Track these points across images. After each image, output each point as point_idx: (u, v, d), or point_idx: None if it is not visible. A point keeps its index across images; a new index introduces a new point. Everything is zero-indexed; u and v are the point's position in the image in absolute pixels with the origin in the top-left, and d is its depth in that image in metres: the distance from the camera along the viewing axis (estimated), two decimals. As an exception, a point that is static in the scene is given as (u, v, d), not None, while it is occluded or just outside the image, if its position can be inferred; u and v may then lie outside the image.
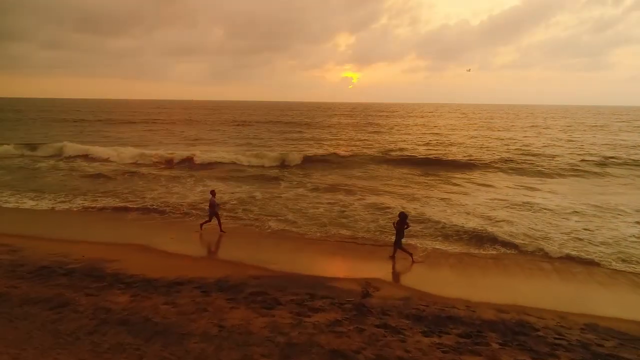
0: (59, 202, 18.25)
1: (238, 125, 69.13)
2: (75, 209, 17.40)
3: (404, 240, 12.14)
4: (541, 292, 10.43)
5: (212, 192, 14.31)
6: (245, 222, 15.70)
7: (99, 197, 19.25)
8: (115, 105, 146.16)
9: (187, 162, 29.00)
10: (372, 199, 19.56)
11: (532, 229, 15.14)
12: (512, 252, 13.13)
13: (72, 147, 32.19)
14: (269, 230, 14.86)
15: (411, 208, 17.45)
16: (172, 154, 30.43)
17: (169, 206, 17.59)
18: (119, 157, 29.90)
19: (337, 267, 11.93)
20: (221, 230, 14.15)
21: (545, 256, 12.81)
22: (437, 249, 13.28)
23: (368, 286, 9.51)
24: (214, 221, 14.28)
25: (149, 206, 17.66)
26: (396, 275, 11.19)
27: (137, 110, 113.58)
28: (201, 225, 14.23)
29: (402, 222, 11.61)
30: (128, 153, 30.69)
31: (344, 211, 17.29)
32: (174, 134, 51.15)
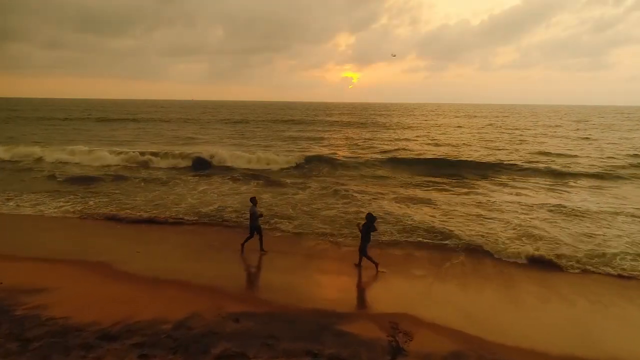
0: (32, 205, 15.59)
1: (236, 122, 65.90)
2: (36, 214, 14.59)
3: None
4: (634, 335, 7.51)
5: (253, 200, 11.19)
6: (241, 231, 12.86)
7: (78, 200, 16.36)
8: (114, 105, 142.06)
9: (184, 163, 25.58)
10: (389, 200, 16.73)
11: (577, 238, 12.44)
12: (560, 269, 10.46)
13: (57, 148, 28.93)
14: (270, 238, 12.06)
15: (435, 218, 14.57)
16: (167, 153, 27.05)
17: (155, 211, 14.79)
18: (108, 157, 26.49)
19: (350, 293, 8.96)
20: (261, 249, 11.07)
21: (607, 276, 10.11)
22: (471, 265, 10.52)
23: (396, 332, 6.55)
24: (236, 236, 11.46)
25: (127, 211, 14.85)
26: (429, 306, 8.22)
27: (134, 109, 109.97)
28: (242, 244, 11.21)
29: (369, 224, 9.84)
30: (119, 152, 27.30)
31: (360, 211, 14.66)
32: (170, 133, 47.72)
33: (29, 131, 45.55)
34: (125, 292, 8.15)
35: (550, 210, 15.41)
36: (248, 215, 11.15)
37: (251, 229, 10.99)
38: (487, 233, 12.66)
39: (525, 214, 14.93)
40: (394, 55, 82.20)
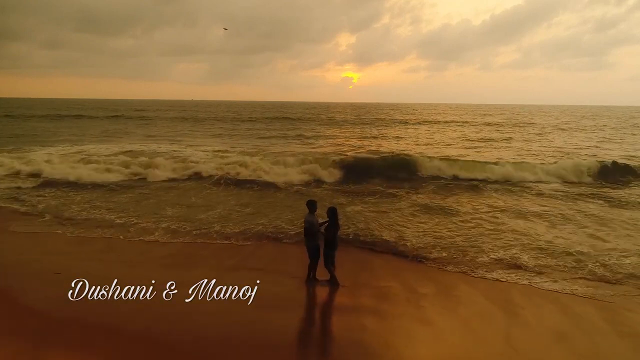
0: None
1: (234, 120, 61.91)
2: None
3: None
4: None
5: (311, 204, 7.10)
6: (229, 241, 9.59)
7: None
8: (113, 104, 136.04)
9: (176, 165, 19.42)
10: (416, 207, 12.91)
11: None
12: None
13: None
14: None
15: (491, 231, 10.85)
16: (156, 154, 21.79)
17: (118, 224, 10.99)
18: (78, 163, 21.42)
19: (378, 351, 5.37)
20: (314, 277, 7.34)
21: None
22: (563, 302, 6.98)
23: None
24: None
25: (78, 217, 11.39)
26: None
27: (131, 108, 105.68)
28: (309, 274, 7.31)
29: (332, 222, 6.99)
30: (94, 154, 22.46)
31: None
32: (164, 131, 42.60)
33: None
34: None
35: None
36: (304, 229, 7.04)
37: (310, 251, 7.05)
38: (571, 252, 8.84)
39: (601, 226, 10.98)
40: (226, 29, 76.56)
